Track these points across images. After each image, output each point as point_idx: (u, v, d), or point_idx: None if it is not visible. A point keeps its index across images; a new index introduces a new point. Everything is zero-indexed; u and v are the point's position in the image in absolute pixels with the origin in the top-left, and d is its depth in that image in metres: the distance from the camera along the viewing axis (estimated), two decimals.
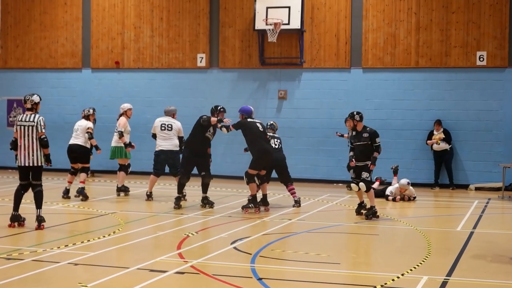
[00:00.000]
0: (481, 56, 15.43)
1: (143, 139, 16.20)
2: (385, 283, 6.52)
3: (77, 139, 12.45)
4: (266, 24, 15.83)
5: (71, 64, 18.00)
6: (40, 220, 9.11)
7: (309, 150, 16.19)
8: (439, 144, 15.17)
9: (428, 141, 15.38)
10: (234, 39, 16.88)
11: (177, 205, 11.30)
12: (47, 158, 9.24)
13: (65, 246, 8.03)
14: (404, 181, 12.83)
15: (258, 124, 10.99)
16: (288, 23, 15.93)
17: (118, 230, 9.23)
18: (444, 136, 15.26)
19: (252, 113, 11.21)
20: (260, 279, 6.68)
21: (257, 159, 10.82)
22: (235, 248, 8.19)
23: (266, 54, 16.67)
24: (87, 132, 12.31)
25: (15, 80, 18.33)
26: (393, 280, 6.62)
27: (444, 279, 6.73)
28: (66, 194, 12.32)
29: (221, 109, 11.59)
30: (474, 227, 10.02)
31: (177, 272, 6.90)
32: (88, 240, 8.43)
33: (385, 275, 6.86)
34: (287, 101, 16.55)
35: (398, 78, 15.92)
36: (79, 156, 12.41)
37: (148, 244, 8.52)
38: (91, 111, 12.67)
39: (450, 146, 15.32)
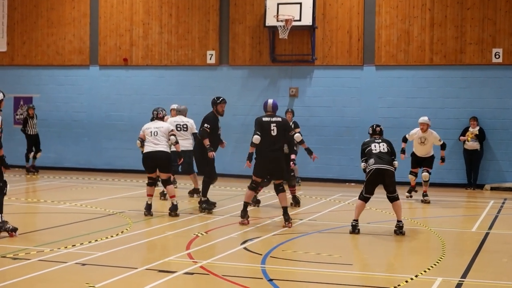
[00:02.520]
0: (497, 53, 15.21)
1: None
2: (399, 285, 6.46)
3: (160, 144, 10.20)
4: (277, 21, 15.67)
5: (78, 61, 17.90)
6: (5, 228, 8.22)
7: (321, 148, 15.97)
8: (469, 141, 14.85)
9: (461, 137, 15.13)
10: (244, 36, 16.72)
11: (209, 208, 10.79)
12: (1, 161, 8.09)
13: (73, 246, 7.96)
14: (424, 118, 12.46)
15: (272, 126, 9.52)
16: (300, 20, 15.76)
17: (126, 229, 9.13)
18: (477, 133, 14.91)
19: (271, 108, 9.66)
20: (270, 280, 6.61)
21: (256, 165, 9.76)
22: (245, 248, 8.12)
23: (277, 51, 16.50)
24: (172, 135, 10.33)
25: (22, 77, 18.25)
26: (406, 281, 6.56)
27: (459, 280, 6.66)
28: (148, 210, 10.27)
29: (221, 101, 10.80)
30: (490, 228, 9.90)
31: (186, 273, 6.83)
32: (96, 240, 8.34)
33: (398, 276, 6.80)
34: (299, 99, 16.39)
35: (412, 75, 15.72)
36: (164, 164, 10.23)
37: (156, 244, 8.41)
38: (165, 111, 10.91)
39: (481, 146, 14.95)
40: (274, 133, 9.46)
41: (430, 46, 15.62)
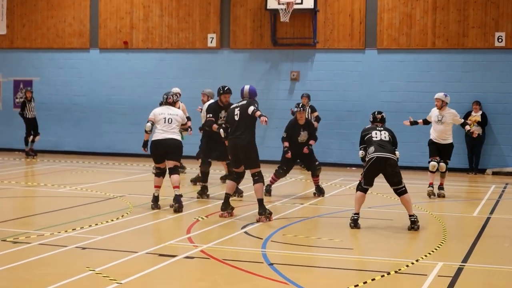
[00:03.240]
0: (500, 37, 15.09)
1: None
2: (399, 269, 6.46)
3: (172, 132, 9.47)
4: (279, 4, 15.55)
5: (78, 44, 17.79)
6: None
7: (322, 133, 15.90)
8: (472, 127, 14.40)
9: (466, 127, 14.67)
10: (245, 19, 16.60)
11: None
12: None
13: (73, 229, 7.95)
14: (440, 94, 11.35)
15: (236, 110, 8.91)
16: (301, 3, 15.65)
17: (127, 213, 9.11)
18: (480, 120, 14.73)
19: (247, 94, 9.04)
20: (271, 264, 6.60)
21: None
22: (246, 232, 8.11)
23: (278, 34, 16.38)
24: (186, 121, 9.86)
25: (21, 61, 18.15)
26: (407, 266, 6.55)
27: (460, 265, 6.66)
28: (155, 203, 9.53)
29: (225, 91, 10.23)
30: (491, 213, 9.88)
31: (187, 257, 6.83)
32: (96, 224, 8.32)
33: (399, 261, 6.79)
34: (300, 82, 16.30)
35: (414, 59, 15.62)
36: (175, 152, 9.50)
37: (157, 228, 8.40)
38: (176, 96, 9.96)
39: (483, 131, 14.74)
40: (237, 117, 8.84)
41: (433, 29, 15.50)
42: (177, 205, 9.26)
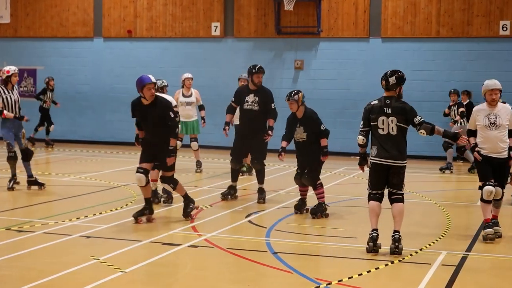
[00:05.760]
0: (505, 26, 15.02)
1: None
2: (403, 258, 6.46)
3: None
4: None
5: (82, 33, 17.76)
6: None
7: (326, 122, 15.47)
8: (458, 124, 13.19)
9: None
10: (249, 7, 16.54)
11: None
12: None
13: (77, 218, 7.96)
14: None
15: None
16: None
17: (131, 202, 9.13)
18: (463, 110, 13.37)
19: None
20: (275, 253, 6.61)
21: None
22: (250, 221, 8.12)
23: (282, 23, 16.32)
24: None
25: (25, 49, 18.14)
26: (411, 255, 6.56)
27: (464, 254, 6.66)
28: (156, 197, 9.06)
29: (258, 70, 9.21)
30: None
31: (191, 246, 6.86)
32: (100, 213, 8.34)
33: (403, 249, 6.71)
34: (304, 71, 16.26)
35: (418, 48, 15.55)
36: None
37: (161, 217, 8.41)
38: (165, 81, 9.71)
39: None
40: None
41: (437, 18, 15.43)
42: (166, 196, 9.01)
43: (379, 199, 6.77)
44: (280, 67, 16.35)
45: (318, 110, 16.61)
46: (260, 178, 9.33)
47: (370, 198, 6.82)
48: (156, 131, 7.82)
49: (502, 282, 6.01)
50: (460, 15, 15.29)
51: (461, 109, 13.36)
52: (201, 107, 12.48)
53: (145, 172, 7.83)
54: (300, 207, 8.67)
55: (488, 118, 7.29)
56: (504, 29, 15.05)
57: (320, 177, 8.58)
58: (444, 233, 7.56)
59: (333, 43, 16.08)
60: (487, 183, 7.30)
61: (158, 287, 5.59)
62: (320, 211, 8.43)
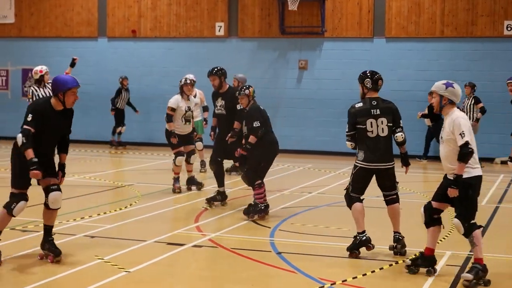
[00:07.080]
0: (509, 25, 14.99)
1: (160, 110, 15.99)
2: (407, 258, 6.44)
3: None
4: None
5: (86, 33, 17.78)
6: None
7: (330, 122, 15.91)
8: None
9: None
10: (253, 7, 16.54)
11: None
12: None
13: (81, 218, 7.97)
14: None
15: None
16: None
17: (135, 202, 9.14)
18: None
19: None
20: (279, 253, 6.63)
21: None
22: (253, 221, 8.06)
23: (286, 23, 16.32)
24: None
25: (29, 49, 18.16)
26: (415, 255, 6.49)
27: (468, 254, 6.62)
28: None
29: (210, 73, 9.17)
30: (500, 202, 9.85)
31: (195, 246, 6.87)
32: (105, 213, 8.35)
33: (407, 249, 6.74)
34: (308, 71, 16.26)
35: (422, 48, 15.53)
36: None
37: (165, 217, 8.43)
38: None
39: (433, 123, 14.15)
40: None
41: (441, 18, 15.40)
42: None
43: (362, 200, 6.73)
44: (284, 67, 16.35)
45: (322, 110, 16.76)
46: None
47: (354, 200, 6.65)
48: (54, 143, 6.61)
49: (507, 282, 5.99)
50: (464, 15, 15.27)
51: (480, 105, 13.57)
52: (205, 108, 12.50)
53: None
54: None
55: None
56: (509, 29, 15.02)
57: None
58: (448, 233, 7.53)
59: (337, 43, 16.07)
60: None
61: (162, 287, 5.60)
62: (253, 212, 8.11)
